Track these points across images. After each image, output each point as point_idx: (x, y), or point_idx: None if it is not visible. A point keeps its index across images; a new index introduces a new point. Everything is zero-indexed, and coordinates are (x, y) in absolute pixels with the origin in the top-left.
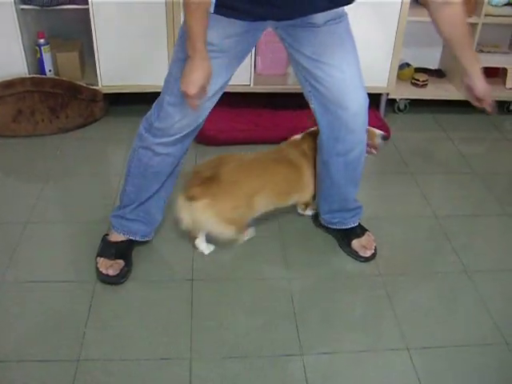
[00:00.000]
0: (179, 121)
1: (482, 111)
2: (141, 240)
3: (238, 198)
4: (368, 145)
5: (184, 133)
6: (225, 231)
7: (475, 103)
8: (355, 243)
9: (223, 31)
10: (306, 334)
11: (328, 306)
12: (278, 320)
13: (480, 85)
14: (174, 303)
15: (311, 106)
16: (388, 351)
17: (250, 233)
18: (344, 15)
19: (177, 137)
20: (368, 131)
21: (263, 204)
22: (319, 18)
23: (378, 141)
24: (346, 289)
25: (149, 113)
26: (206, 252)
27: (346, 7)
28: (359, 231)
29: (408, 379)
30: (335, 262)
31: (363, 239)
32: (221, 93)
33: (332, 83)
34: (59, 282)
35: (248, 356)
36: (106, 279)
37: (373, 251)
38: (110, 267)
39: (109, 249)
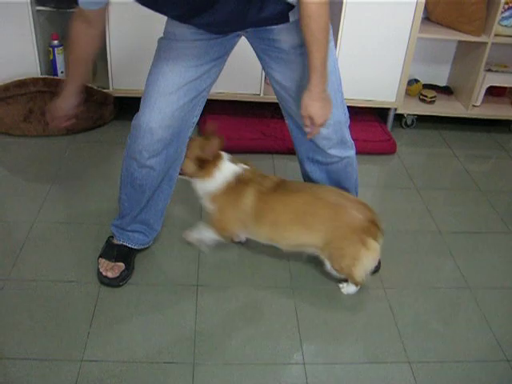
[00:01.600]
0: (149, 113)
1: (487, 130)
2: (139, 248)
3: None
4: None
5: (159, 135)
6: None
7: (304, 122)
8: None
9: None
10: (309, 344)
11: (331, 317)
12: (281, 328)
13: (302, 102)
14: (179, 308)
15: (286, 120)
16: (389, 364)
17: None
18: None
19: (152, 140)
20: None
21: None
22: (284, 43)
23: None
24: (349, 300)
25: None
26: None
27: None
28: None
29: None
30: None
31: None
32: (198, 89)
33: (297, 108)
34: (65, 282)
35: (250, 363)
36: (104, 281)
37: (376, 264)
38: (110, 269)
39: (111, 251)
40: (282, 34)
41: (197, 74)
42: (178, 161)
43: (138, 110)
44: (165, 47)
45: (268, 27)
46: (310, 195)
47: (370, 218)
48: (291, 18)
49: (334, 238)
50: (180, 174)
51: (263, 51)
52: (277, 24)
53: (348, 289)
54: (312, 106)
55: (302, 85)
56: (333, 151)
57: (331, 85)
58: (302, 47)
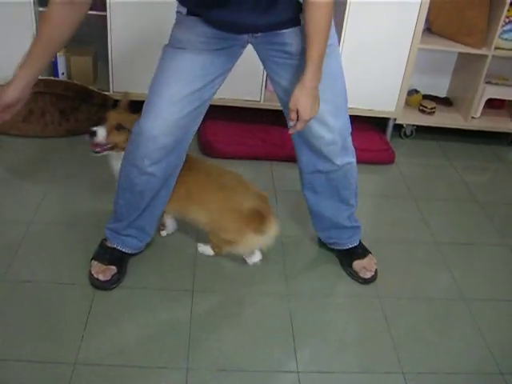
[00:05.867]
0: (153, 121)
1: (485, 142)
2: (132, 253)
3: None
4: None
5: (161, 143)
6: None
7: (290, 115)
8: (356, 264)
9: (194, 30)
10: (303, 352)
11: (326, 325)
12: (275, 336)
13: (293, 93)
14: (173, 313)
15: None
16: (383, 374)
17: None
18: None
19: (154, 148)
20: (128, 134)
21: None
22: (294, 46)
23: None
24: (345, 309)
25: None
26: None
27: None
28: (361, 252)
29: None
30: (335, 282)
31: (365, 261)
32: (202, 98)
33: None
34: (60, 284)
35: (244, 370)
36: (95, 283)
37: (373, 273)
38: (102, 272)
39: (103, 253)
40: (292, 38)
41: (202, 83)
42: (177, 168)
43: (138, 112)
44: (170, 56)
45: (279, 31)
46: (209, 176)
47: (259, 209)
48: (302, 21)
49: (218, 218)
50: (100, 151)
51: (271, 58)
52: (288, 27)
53: (204, 249)
54: (302, 101)
55: None
56: (336, 158)
57: (338, 89)
58: None
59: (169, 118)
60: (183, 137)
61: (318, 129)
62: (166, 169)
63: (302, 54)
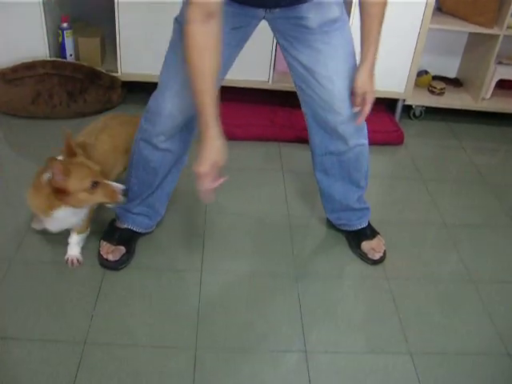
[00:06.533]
0: (168, 101)
1: (495, 123)
2: (143, 232)
3: None
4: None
5: (178, 120)
6: None
7: (355, 101)
8: (365, 245)
9: None
10: (311, 332)
11: (334, 306)
12: (283, 316)
13: (361, 78)
14: (182, 293)
15: (302, 108)
16: (390, 354)
17: None
18: (341, 20)
19: (171, 125)
20: (105, 187)
21: None
22: (312, 21)
23: (120, 198)
24: (353, 290)
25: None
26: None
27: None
28: (369, 233)
29: (409, 383)
30: (344, 263)
31: (373, 242)
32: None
33: (322, 91)
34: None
35: (252, 349)
36: (104, 263)
37: (381, 254)
38: (111, 252)
39: (112, 234)
40: (309, 12)
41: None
42: (190, 144)
43: (146, 94)
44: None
45: (296, 5)
46: None
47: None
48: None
49: None
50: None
51: (288, 32)
52: (306, 1)
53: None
54: (368, 82)
55: (331, 69)
56: (350, 138)
57: (354, 66)
58: (328, 24)
59: (187, 98)
60: (193, 114)
61: (339, 104)
62: (179, 144)
63: (321, 27)
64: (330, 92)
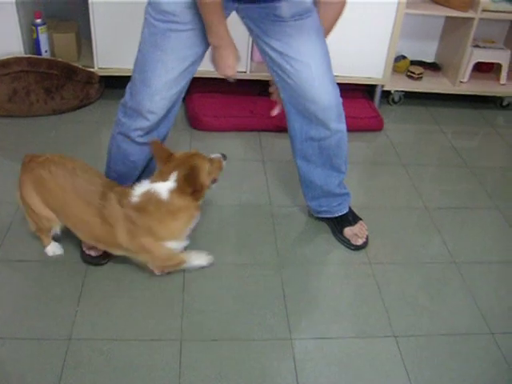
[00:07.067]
0: (149, 99)
1: (474, 107)
2: None
3: None
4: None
5: (157, 117)
6: None
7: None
8: (347, 231)
9: (186, 2)
10: (295, 319)
11: (318, 293)
12: (268, 305)
13: None
14: (166, 285)
15: (280, 94)
16: (375, 338)
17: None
18: (312, 11)
19: (151, 122)
20: (217, 165)
21: None
22: (285, 10)
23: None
24: (336, 276)
25: (123, 97)
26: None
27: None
28: (352, 219)
29: (394, 366)
30: (327, 249)
31: (356, 228)
32: (192, 71)
33: (299, 77)
34: (52, 262)
35: (237, 339)
36: (87, 259)
37: (364, 240)
38: (93, 248)
39: None
40: (283, 5)
41: (194, 58)
42: (166, 137)
43: (124, 89)
44: (163, 32)
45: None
46: None
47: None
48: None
49: None
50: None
51: (260, 19)
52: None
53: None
54: None
55: (305, 53)
56: (331, 122)
57: (328, 58)
58: (300, 13)
59: (166, 95)
60: (174, 107)
61: (319, 91)
62: (157, 137)
63: (293, 17)
64: (307, 77)
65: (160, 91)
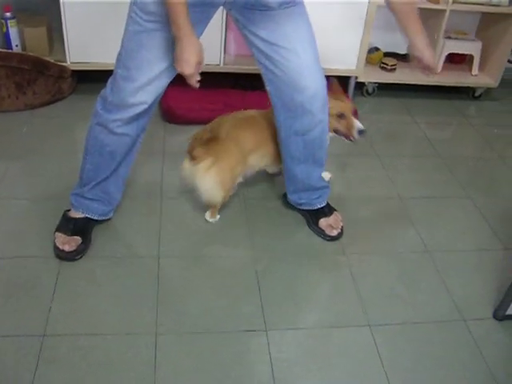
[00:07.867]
0: (132, 95)
1: (446, 97)
2: (99, 219)
3: (237, 155)
4: (344, 135)
5: (138, 110)
6: (219, 193)
7: (424, 72)
8: (322, 222)
9: None
10: (270, 311)
11: (293, 284)
12: (242, 296)
13: (428, 55)
14: (141, 279)
15: (266, 87)
16: (350, 328)
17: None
18: (300, 1)
19: (131, 114)
20: (348, 120)
21: (255, 163)
22: (271, 1)
23: (355, 134)
24: (311, 267)
25: (103, 90)
26: (212, 220)
27: None
28: (327, 210)
29: (369, 354)
30: (302, 240)
31: (331, 218)
32: (172, 72)
33: (287, 66)
34: (24, 258)
35: (212, 331)
36: (61, 255)
37: (339, 230)
38: (67, 243)
39: (67, 224)
40: None
41: None
42: (145, 130)
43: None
44: (148, 32)
45: None
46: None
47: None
48: None
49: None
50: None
51: (248, 9)
52: None
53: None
54: (428, 49)
55: (294, 41)
56: (318, 113)
57: (315, 45)
58: (288, 3)
59: (150, 90)
60: (156, 101)
61: (308, 79)
62: (136, 128)
63: (281, 6)
64: (296, 65)
65: (143, 87)
